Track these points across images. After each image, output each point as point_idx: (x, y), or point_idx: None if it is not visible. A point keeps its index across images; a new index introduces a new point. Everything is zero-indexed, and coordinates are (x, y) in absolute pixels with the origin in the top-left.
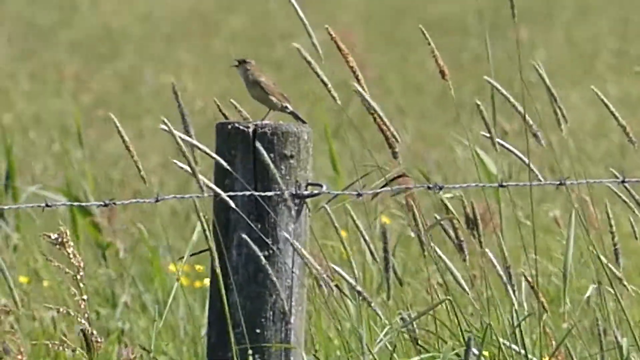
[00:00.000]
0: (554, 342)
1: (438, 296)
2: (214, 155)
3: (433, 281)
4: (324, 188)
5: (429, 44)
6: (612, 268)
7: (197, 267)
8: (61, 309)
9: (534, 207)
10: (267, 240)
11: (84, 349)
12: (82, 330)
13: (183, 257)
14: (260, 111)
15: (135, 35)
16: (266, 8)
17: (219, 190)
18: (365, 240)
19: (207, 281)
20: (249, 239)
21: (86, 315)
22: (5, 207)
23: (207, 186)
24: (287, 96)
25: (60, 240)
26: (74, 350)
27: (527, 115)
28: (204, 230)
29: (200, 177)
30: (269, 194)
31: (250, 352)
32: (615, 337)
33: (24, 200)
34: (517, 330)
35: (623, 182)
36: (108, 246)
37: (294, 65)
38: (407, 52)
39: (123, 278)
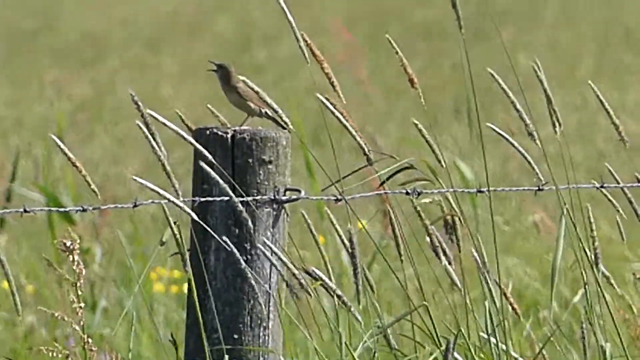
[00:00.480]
0: (537, 347)
1: (412, 303)
2: (198, 146)
3: (410, 286)
4: (303, 193)
5: (397, 53)
6: (604, 271)
7: (176, 272)
8: (57, 314)
9: (514, 212)
10: (245, 245)
11: (76, 356)
12: (81, 337)
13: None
14: (240, 116)
15: (117, 40)
16: (248, 12)
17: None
18: (343, 242)
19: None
20: (229, 242)
21: (81, 322)
22: None
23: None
24: (270, 100)
25: (72, 247)
26: (67, 357)
27: (523, 114)
28: (174, 236)
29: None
30: (247, 199)
31: (227, 357)
32: (597, 342)
33: None
34: (492, 336)
35: (602, 186)
36: (87, 251)
37: (275, 69)
38: (390, 56)
39: (101, 283)
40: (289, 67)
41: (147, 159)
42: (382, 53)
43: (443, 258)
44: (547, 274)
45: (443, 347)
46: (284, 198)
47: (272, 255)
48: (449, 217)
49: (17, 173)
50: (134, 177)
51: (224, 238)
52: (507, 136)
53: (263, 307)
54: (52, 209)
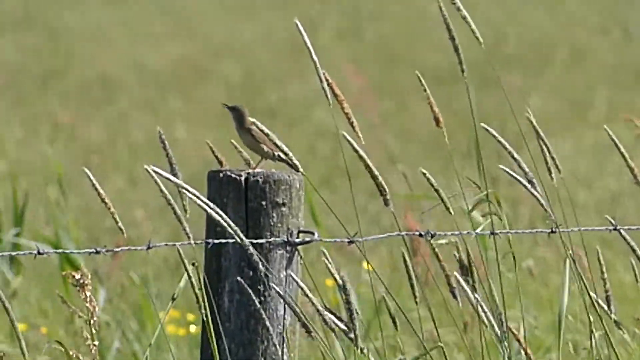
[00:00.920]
0: None
1: (424, 345)
2: (203, 201)
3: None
4: (316, 235)
5: (425, 90)
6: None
7: (190, 314)
8: (71, 352)
9: (526, 254)
10: (258, 287)
11: None
12: None
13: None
14: (252, 159)
15: (129, 83)
16: (258, 55)
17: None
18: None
19: (192, 328)
20: (244, 283)
21: None
22: None
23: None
24: (282, 143)
25: (82, 281)
26: None
27: (522, 163)
28: (190, 278)
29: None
30: (260, 241)
31: None
32: None
33: (10, 248)
34: None
35: (615, 229)
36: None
37: (288, 112)
38: (399, 101)
39: (113, 324)
40: (300, 110)
41: (160, 201)
42: (393, 97)
43: (458, 300)
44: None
45: None
46: (297, 240)
47: (285, 295)
48: (464, 259)
49: (24, 219)
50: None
51: (239, 278)
52: (518, 177)
53: (277, 347)
54: (66, 251)
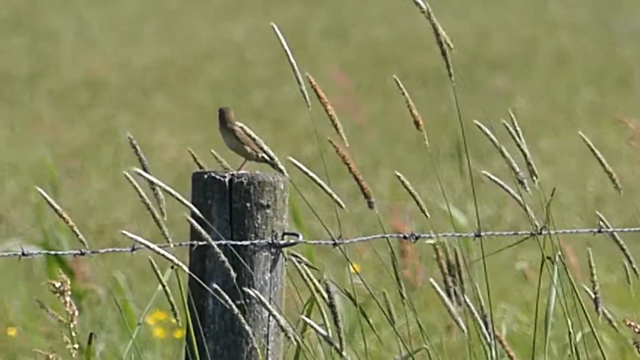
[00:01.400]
0: None
1: (410, 346)
2: (186, 202)
3: (409, 330)
4: (300, 237)
5: (403, 93)
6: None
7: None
8: (51, 356)
9: (509, 256)
10: (243, 289)
11: None
12: None
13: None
14: (236, 160)
15: (114, 84)
16: (244, 56)
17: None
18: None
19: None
20: (220, 290)
21: None
22: None
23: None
24: (266, 145)
25: (62, 289)
26: None
27: (512, 163)
28: (164, 287)
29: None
30: (244, 243)
31: None
32: None
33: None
34: None
35: (599, 231)
36: (84, 294)
37: (273, 114)
38: (386, 102)
39: (98, 327)
40: (286, 111)
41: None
42: (379, 99)
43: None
44: (542, 319)
45: None
46: (281, 242)
47: (269, 299)
48: (452, 261)
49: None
50: (124, 232)
51: (215, 285)
52: (501, 183)
53: (260, 351)
54: (51, 252)
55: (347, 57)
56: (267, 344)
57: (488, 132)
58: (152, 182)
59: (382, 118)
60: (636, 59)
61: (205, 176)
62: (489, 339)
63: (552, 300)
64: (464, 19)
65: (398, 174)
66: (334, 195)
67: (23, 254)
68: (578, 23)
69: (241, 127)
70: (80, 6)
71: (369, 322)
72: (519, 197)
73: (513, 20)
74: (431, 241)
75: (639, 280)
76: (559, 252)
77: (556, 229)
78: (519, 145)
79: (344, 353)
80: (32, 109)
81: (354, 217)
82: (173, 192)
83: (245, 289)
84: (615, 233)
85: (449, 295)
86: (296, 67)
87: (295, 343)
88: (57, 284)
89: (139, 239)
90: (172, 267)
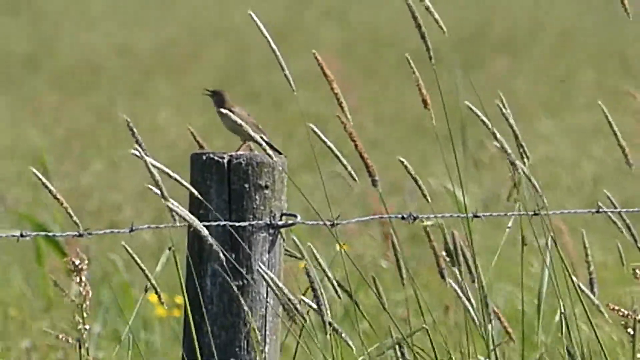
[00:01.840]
0: None
1: (410, 326)
2: (187, 184)
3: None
4: (298, 218)
5: (414, 72)
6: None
7: (177, 297)
8: (61, 336)
9: (508, 236)
10: (241, 270)
11: None
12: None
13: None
14: (235, 143)
15: (114, 66)
16: (244, 39)
17: (192, 219)
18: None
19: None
20: (220, 269)
21: (86, 345)
22: None
23: (180, 216)
24: (262, 127)
25: (80, 267)
26: None
27: (504, 144)
28: (144, 272)
29: (175, 205)
30: (243, 224)
31: None
32: None
33: None
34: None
35: (598, 211)
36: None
37: (272, 95)
38: (384, 83)
39: (95, 308)
40: (284, 93)
41: (143, 184)
42: (378, 80)
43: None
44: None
45: None
46: (280, 223)
47: (270, 280)
48: (450, 241)
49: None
50: (150, 187)
51: (215, 266)
52: (513, 157)
53: (258, 331)
54: (49, 233)
55: (346, 38)
56: (265, 324)
57: (481, 115)
58: (154, 165)
59: (379, 99)
60: (637, 40)
61: (204, 157)
62: (485, 320)
63: (544, 282)
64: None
65: (401, 159)
66: (349, 167)
67: (22, 235)
68: (580, 2)
69: (226, 114)
70: None
71: (359, 308)
72: (528, 173)
73: (515, 1)
74: (430, 222)
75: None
76: (552, 233)
77: (554, 209)
78: (511, 127)
79: (336, 327)
80: (31, 91)
81: (353, 198)
82: (171, 173)
83: (258, 264)
84: (613, 213)
85: (442, 276)
86: (277, 53)
87: (296, 322)
88: (77, 262)
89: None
90: (169, 249)
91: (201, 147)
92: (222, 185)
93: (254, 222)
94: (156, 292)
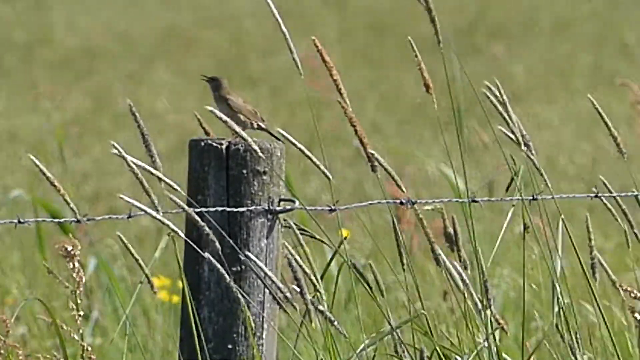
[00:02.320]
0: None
1: (410, 312)
2: (168, 180)
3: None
4: (297, 204)
5: (416, 56)
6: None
7: (178, 282)
8: (59, 323)
9: (507, 221)
10: (239, 255)
11: None
12: (82, 345)
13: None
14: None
15: (112, 53)
16: (243, 25)
17: (186, 209)
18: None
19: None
20: (212, 258)
21: (80, 331)
22: None
23: (178, 205)
24: (260, 114)
25: (72, 252)
26: None
27: (520, 126)
28: (137, 261)
29: (173, 183)
30: (241, 209)
31: None
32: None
33: None
34: (489, 344)
35: (597, 196)
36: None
37: (270, 81)
38: (383, 69)
39: (93, 294)
40: (283, 79)
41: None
42: (377, 66)
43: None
44: (539, 283)
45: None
46: (278, 208)
47: (265, 265)
48: (449, 227)
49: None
50: (121, 196)
51: (210, 254)
52: (517, 140)
53: (254, 317)
54: (47, 219)
55: (346, 24)
56: (263, 311)
57: (491, 97)
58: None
59: (379, 85)
60: (635, 25)
61: (203, 143)
62: (484, 305)
63: (557, 265)
64: None
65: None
66: (321, 167)
67: (19, 222)
68: None
69: (226, 99)
70: None
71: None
72: (533, 158)
73: None
74: (428, 207)
75: (637, 244)
76: (562, 216)
77: (553, 194)
78: (501, 113)
79: (314, 324)
80: (30, 77)
81: (353, 184)
82: (153, 170)
83: (247, 254)
84: (611, 199)
85: (437, 262)
86: (287, 35)
87: (286, 311)
88: (69, 247)
89: (137, 203)
90: (168, 234)
91: (207, 133)
92: (221, 171)
93: (252, 208)
94: (149, 282)
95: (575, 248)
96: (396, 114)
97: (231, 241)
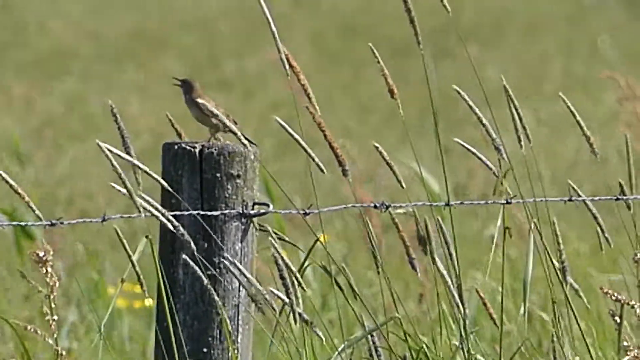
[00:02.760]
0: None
1: (385, 315)
2: (155, 176)
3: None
4: (271, 207)
5: (378, 62)
6: (572, 283)
7: (137, 288)
8: (29, 327)
9: (481, 225)
10: (214, 259)
11: None
12: (55, 350)
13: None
14: (205, 133)
15: (83, 55)
16: (215, 27)
17: (157, 213)
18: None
19: (148, 302)
20: (189, 260)
21: (55, 335)
22: None
23: (151, 207)
24: (233, 117)
25: (45, 258)
26: None
27: (490, 129)
28: (131, 261)
29: (142, 198)
30: (215, 213)
31: None
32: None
33: None
34: (464, 346)
35: (570, 200)
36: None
37: (243, 84)
38: (356, 72)
39: (66, 298)
40: (256, 82)
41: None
42: (349, 68)
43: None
44: (512, 288)
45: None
46: (252, 212)
47: (237, 271)
48: (422, 230)
49: None
50: (113, 184)
51: (184, 256)
52: (473, 150)
53: (227, 321)
54: (21, 223)
55: (317, 26)
56: (238, 314)
57: (467, 98)
58: (122, 157)
59: (352, 88)
60: (605, 29)
61: (176, 147)
62: (461, 308)
63: (529, 270)
64: None
65: (376, 144)
66: (316, 159)
67: None
68: None
69: (202, 104)
70: None
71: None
72: (489, 163)
73: None
74: (401, 210)
75: (611, 248)
76: (534, 220)
77: (526, 197)
78: (479, 119)
79: (297, 324)
80: (1, 80)
81: (325, 188)
82: (141, 165)
83: (226, 255)
84: (587, 201)
85: (412, 267)
86: (277, 35)
87: (266, 312)
88: (41, 253)
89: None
90: (146, 237)
91: (179, 135)
92: (194, 174)
93: (226, 212)
94: (140, 283)
95: (547, 252)
96: (370, 116)
97: (206, 244)
